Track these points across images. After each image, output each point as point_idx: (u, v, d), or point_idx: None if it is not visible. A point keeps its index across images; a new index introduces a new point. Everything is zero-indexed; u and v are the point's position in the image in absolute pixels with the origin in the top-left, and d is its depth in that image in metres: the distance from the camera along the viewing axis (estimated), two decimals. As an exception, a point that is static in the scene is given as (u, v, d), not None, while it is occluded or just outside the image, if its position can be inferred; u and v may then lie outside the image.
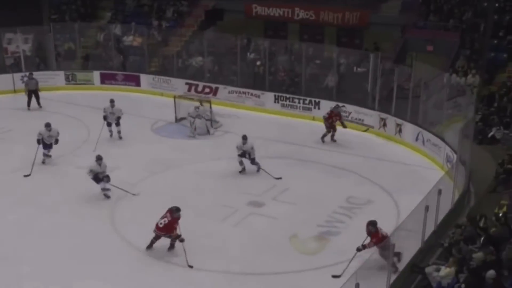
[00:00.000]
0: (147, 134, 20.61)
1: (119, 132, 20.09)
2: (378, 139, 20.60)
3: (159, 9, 29.19)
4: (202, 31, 26.92)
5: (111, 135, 20.07)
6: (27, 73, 24.47)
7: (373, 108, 21.22)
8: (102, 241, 13.92)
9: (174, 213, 13.26)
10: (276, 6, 26.62)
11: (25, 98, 23.51)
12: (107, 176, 15.87)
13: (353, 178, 17.46)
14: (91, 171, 15.72)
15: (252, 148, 17.42)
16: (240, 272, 12.84)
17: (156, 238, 13.43)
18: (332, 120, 20.13)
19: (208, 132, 20.81)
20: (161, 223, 13.18)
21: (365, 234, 12.84)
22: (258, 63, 24.40)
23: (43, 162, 18.10)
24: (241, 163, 17.57)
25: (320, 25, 26.24)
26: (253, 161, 17.49)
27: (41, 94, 23.69)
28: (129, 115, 20.73)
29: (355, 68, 23.18)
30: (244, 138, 17.43)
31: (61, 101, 24.05)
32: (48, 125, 18.07)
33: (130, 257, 13.41)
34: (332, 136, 20.22)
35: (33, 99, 23.58)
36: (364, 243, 12.69)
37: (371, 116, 21.05)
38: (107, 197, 15.95)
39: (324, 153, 19.15)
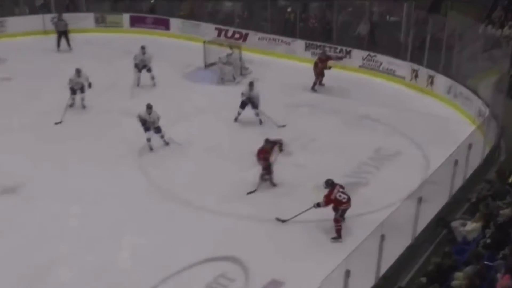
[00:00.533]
0: (177, 79, 20.55)
1: (152, 78, 19.83)
2: (409, 90, 20.30)
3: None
4: (234, -25, 26.53)
5: (138, 84, 19.81)
6: (57, 14, 24.45)
7: (405, 59, 20.84)
8: (135, 189, 14.10)
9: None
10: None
11: (55, 40, 23.57)
12: (157, 128, 15.63)
13: (383, 129, 17.32)
14: (139, 116, 15.48)
15: (258, 97, 17.14)
16: (265, 218, 12.91)
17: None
18: (320, 66, 19.89)
19: (234, 79, 20.66)
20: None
21: (392, 186, 12.79)
22: (289, 9, 24.03)
23: (71, 106, 17.92)
24: (239, 113, 17.30)
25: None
26: (256, 112, 17.19)
27: (70, 35, 23.70)
28: (159, 60, 20.66)
29: (388, 17, 22.72)
30: (251, 84, 17.14)
31: (90, 43, 24.02)
32: (78, 71, 17.88)
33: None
34: (320, 81, 20.07)
35: (63, 41, 23.63)
36: (320, 202, 12.35)
37: (402, 67, 20.71)
38: (151, 149, 15.69)
39: (353, 103, 18.96)
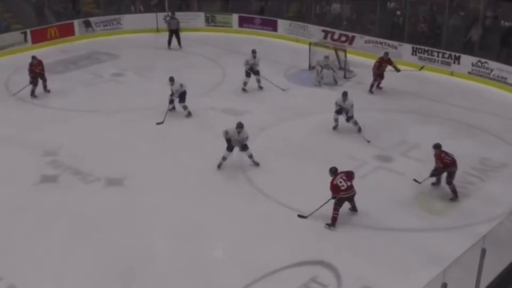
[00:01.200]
0: (280, 80, 20.58)
1: (259, 81, 19.75)
2: (521, 99, 19.35)
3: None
4: (343, -23, 26.25)
5: (244, 88, 19.81)
6: (169, 13, 25.14)
7: (518, 66, 19.88)
8: (226, 177, 14.24)
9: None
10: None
11: (167, 38, 24.25)
12: (245, 146, 14.79)
13: (488, 138, 16.56)
14: (226, 132, 14.69)
15: (352, 106, 16.57)
16: (364, 225, 12.68)
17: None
18: (382, 68, 19.34)
19: (335, 82, 20.42)
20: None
21: (496, 199, 12.15)
22: (398, 12, 23.47)
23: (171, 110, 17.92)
24: (336, 120, 16.93)
25: (468, -26, 24.69)
26: (348, 119, 16.66)
27: (181, 34, 24.31)
28: (264, 60, 20.76)
29: (502, 21, 21.66)
30: (344, 94, 16.55)
31: (200, 42, 24.58)
32: (171, 79, 17.56)
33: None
34: (379, 83, 19.56)
35: (174, 39, 24.25)
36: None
37: (515, 75, 19.75)
38: (218, 166, 14.86)
39: (459, 111, 18.28)
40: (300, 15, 26.35)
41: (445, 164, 13.33)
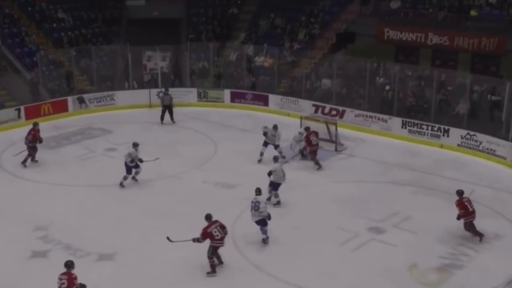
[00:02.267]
0: (272, 153, 20.67)
1: (282, 155, 19.77)
2: (510, 171, 19.49)
3: (292, 32, 29.49)
4: (332, 54, 26.87)
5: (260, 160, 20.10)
6: (163, 89, 25.56)
7: (506, 139, 20.13)
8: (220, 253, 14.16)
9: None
10: (409, 31, 26.06)
11: (160, 113, 24.53)
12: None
13: (481, 210, 16.53)
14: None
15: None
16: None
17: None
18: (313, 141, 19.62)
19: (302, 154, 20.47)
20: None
21: (490, 271, 12.04)
22: (387, 87, 23.95)
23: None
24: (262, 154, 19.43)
25: (454, 50, 25.37)
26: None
27: (174, 109, 24.63)
28: (256, 134, 20.98)
29: (489, 96, 22.13)
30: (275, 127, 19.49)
31: (192, 117, 24.86)
32: (135, 145, 18.23)
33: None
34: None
35: (167, 114, 24.54)
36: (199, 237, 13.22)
37: (503, 147, 19.97)
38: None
39: (450, 182, 18.36)
40: (291, 90, 26.84)
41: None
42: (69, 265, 11.79)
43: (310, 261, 13.83)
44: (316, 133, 20.02)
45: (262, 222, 14.55)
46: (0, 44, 27.05)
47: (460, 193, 14.89)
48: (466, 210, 14.64)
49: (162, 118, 24.55)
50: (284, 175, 16.72)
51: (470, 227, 14.81)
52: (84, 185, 18.30)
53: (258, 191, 14.74)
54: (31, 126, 20.18)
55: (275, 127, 19.89)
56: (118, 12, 31.79)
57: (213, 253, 13.26)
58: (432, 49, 26.09)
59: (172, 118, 24.58)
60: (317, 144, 19.49)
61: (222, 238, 13.20)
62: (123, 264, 13.81)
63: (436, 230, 15.29)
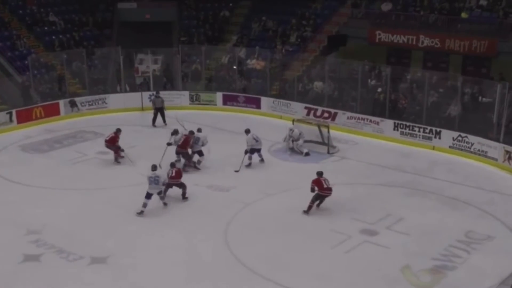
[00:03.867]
0: (264, 155, 20.75)
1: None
2: (502, 172, 19.61)
3: (283, 34, 29.58)
4: (324, 56, 26.95)
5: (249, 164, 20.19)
6: (154, 92, 25.55)
7: (497, 140, 20.25)
8: (213, 255, 14.18)
9: None
10: (400, 33, 26.17)
11: (152, 116, 24.53)
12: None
13: (473, 211, 16.70)
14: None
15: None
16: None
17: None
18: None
19: (301, 153, 21.05)
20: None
21: (482, 272, 12.10)
22: (379, 90, 24.03)
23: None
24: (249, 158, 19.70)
25: (445, 52, 25.50)
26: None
27: (166, 112, 24.62)
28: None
29: (480, 98, 22.24)
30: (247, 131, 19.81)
31: (184, 120, 24.77)
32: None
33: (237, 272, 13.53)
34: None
35: (159, 117, 24.55)
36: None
37: (495, 148, 20.09)
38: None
39: (442, 184, 18.51)
40: (283, 93, 26.89)
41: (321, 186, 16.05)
42: None
43: (302, 263, 13.85)
44: None
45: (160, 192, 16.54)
46: (-9, 47, 27.01)
47: (319, 173, 16.47)
48: (320, 186, 16.12)
49: (154, 120, 24.56)
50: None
51: (316, 198, 16.23)
52: (77, 188, 18.27)
53: (154, 167, 16.53)
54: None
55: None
56: (110, 15, 31.85)
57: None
58: (424, 51, 26.23)
59: (164, 121, 24.58)
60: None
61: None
62: (116, 267, 13.78)
63: (429, 231, 15.37)
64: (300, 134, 21.04)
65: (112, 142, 20.30)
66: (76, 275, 13.46)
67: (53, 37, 29.31)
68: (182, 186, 17.16)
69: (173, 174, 16.98)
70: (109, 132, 20.79)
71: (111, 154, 20.69)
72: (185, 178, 17.68)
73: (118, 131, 20.47)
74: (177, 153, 19.58)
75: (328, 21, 29.26)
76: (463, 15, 25.56)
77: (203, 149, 19.72)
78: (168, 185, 16.97)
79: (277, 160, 20.68)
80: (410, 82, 24.29)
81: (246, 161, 19.71)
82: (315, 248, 14.57)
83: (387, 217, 16.16)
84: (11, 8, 29.78)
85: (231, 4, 32.74)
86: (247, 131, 19.97)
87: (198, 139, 19.87)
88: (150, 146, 21.21)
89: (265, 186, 18.21)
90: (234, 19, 32.05)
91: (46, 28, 29.70)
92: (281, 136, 21.86)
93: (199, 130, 20.29)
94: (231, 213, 16.29)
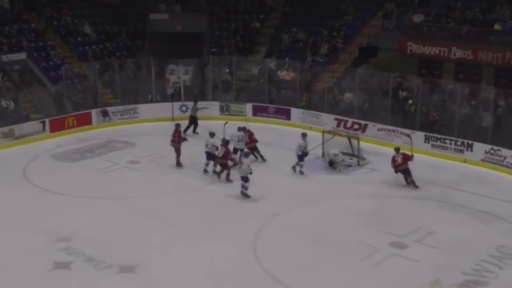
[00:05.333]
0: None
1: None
2: (536, 187, 19.29)
3: (314, 45, 29.56)
4: (355, 68, 26.85)
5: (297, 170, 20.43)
6: (193, 101, 25.86)
7: (532, 154, 19.94)
8: (240, 265, 14.19)
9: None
10: (432, 45, 25.91)
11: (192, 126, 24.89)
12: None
13: (504, 225, 16.42)
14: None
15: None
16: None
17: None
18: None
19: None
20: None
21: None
22: (410, 101, 23.83)
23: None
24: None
25: (477, 64, 25.21)
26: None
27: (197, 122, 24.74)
28: (278, 147, 21.07)
29: (513, 110, 21.94)
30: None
31: (214, 130, 24.87)
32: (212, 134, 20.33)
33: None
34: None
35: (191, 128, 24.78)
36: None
37: (529, 162, 19.79)
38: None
39: (473, 197, 18.24)
40: (313, 104, 26.83)
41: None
42: None
43: (330, 275, 13.76)
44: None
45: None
46: (26, 57, 27.42)
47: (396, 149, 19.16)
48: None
49: (192, 129, 24.92)
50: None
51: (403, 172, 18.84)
52: (107, 197, 18.44)
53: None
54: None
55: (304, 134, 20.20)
56: (142, 26, 32.14)
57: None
58: (456, 63, 25.95)
59: (195, 130, 24.74)
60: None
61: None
62: (144, 276, 13.85)
63: (459, 245, 15.14)
64: (339, 155, 20.91)
65: (178, 137, 20.88)
66: (105, 283, 13.56)
67: (86, 47, 29.72)
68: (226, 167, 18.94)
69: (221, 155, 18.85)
70: (139, 142, 20.90)
71: (141, 164, 20.89)
72: (217, 188, 17.73)
73: (177, 126, 21.34)
74: (219, 164, 19.73)
75: (359, 32, 29.17)
76: (496, 27, 25.25)
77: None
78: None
79: (307, 171, 20.53)
80: (442, 94, 24.04)
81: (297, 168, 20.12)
82: (343, 260, 14.46)
83: (416, 230, 15.97)
84: (46, 19, 30.30)
85: (261, 16, 32.82)
86: (304, 135, 20.28)
87: (242, 137, 20.83)
88: (181, 156, 21.25)
89: (293, 197, 18.16)
90: (265, 30, 32.11)
91: (79, 38, 30.15)
92: (311, 147, 21.78)
93: (240, 129, 20.93)
94: (260, 224, 16.29)
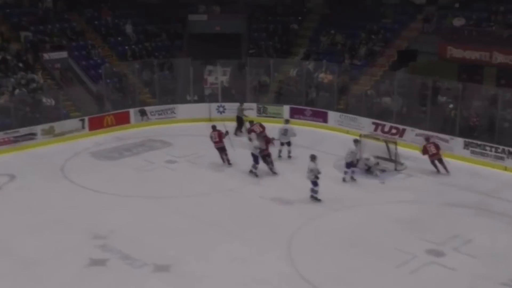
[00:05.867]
0: (329, 170, 20.53)
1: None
2: None
3: (352, 48, 29.34)
4: (393, 72, 26.54)
5: (348, 179, 20.06)
6: (240, 102, 26.18)
7: None
8: (275, 269, 14.13)
9: None
10: (472, 49, 25.44)
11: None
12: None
13: (545, 236, 16.06)
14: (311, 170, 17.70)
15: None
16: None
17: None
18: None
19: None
20: None
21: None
22: (451, 106, 23.45)
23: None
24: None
25: (520, 70, 24.70)
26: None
27: (232, 123, 24.67)
28: (314, 150, 20.80)
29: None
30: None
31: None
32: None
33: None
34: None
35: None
36: None
37: None
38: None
39: (514, 206, 17.90)
40: (350, 107, 26.64)
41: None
42: None
43: (366, 281, 13.63)
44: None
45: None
46: (67, 56, 27.84)
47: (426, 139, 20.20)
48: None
49: (238, 129, 25.08)
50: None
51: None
52: (144, 196, 18.58)
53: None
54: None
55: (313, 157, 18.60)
56: (181, 27, 32.33)
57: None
58: (497, 68, 25.45)
59: (236, 131, 24.84)
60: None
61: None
62: (179, 276, 13.90)
63: (498, 254, 14.85)
64: (371, 159, 20.69)
65: (220, 137, 20.96)
66: (140, 282, 13.66)
67: (126, 47, 30.02)
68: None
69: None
70: (176, 142, 21.02)
71: (178, 163, 21.02)
72: (254, 189, 17.74)
73: (214, 127, 21.37)
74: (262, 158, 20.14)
75: (398, 35, 28.88)
76: (540, 31, 24.75)
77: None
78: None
79: (343, 175, 20.38)
80: (483, 99, 23.61)
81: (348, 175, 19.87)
82: (379, 266, 14.30)
83: (454, 238, 15.70)
84: (87, 19, 30.72)
85: (300, 18, 32.73)
86: (356, 141, 20.06)
87: (286, 130, 21.35)
88: (217, 156, 21.31)
89: (329, 201, 18.02)
90: (303, 32, 32.00)
91: (119, 38, 30.46)
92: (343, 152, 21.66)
93: (286, 122, 21.38)
94: (295, 228, 16.20)
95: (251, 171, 20.08)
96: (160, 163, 21.62)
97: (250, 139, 21.61)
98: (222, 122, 23.01)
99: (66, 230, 16.09)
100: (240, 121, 25.41)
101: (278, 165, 20.60)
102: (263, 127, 22.43)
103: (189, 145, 23.32)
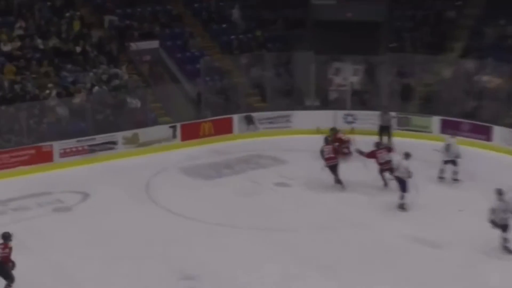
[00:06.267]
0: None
1: None
2: None
3: (528, 43, 28.30)
4: None
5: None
6: (382, 109, 25.97)
7: None
8: None
9: None
10: None
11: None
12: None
13: None
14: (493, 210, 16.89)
15: None
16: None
17: None
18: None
19: None
20: None
21: None
22: None
23: None
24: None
25: None
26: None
27: (357, 137, 24.13)
28: (473, 179, 20.07)
29: None
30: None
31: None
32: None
33: None
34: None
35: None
36: None
37: None
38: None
39: None
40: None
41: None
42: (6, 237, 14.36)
43: None
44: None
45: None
46: (159, 46, 28.28)
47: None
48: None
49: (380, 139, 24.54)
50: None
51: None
52: (246, 227, 18.49)
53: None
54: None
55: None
56: (302, 12, 32.12)
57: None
58: None
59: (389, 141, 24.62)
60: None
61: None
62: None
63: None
64: None
65: (336, 152, 21.39)
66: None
67: (232, 37, 30.21)
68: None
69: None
70: (291, 159, 20.77)
71: (292, 187, 20.94)
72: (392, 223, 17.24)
73: (327, 139, 21.87)
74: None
75: None
76: None
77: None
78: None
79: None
80: None
81: None
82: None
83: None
84: (185, 1, 31.26)
85: (459, 2, 31.81)
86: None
87: (448, 146, 21.84)
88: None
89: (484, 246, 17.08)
90: (462, 22, 31.09)
91: (224, 25, 30.71)
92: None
93: (451, 136, 22.34)
94: (442, 280, 15.50)
95: (401, 206, 19.46)
96: (268, 186, 21.58)
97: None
98: (350, 134, 22.62)
99: (146, 266, 16.11)
100: (385, 131, 25.01)
101: (436, 188, 20.55)
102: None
103: (307, 164, 22.92)
